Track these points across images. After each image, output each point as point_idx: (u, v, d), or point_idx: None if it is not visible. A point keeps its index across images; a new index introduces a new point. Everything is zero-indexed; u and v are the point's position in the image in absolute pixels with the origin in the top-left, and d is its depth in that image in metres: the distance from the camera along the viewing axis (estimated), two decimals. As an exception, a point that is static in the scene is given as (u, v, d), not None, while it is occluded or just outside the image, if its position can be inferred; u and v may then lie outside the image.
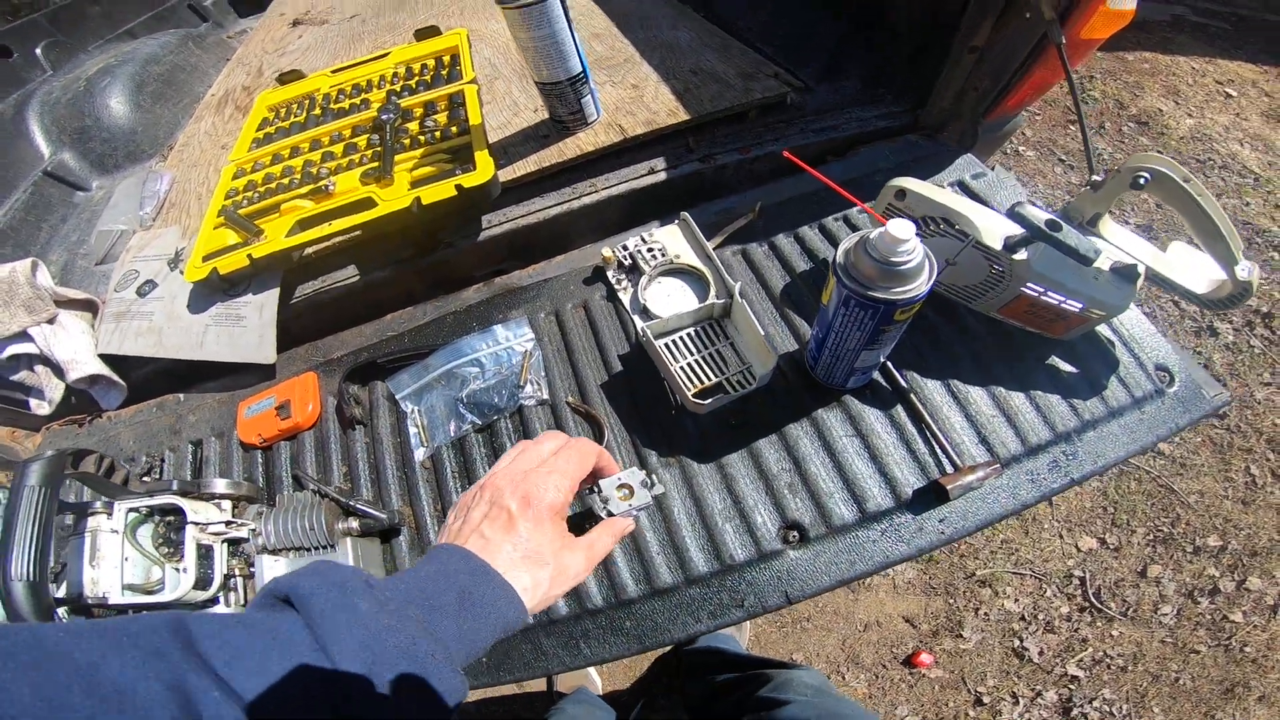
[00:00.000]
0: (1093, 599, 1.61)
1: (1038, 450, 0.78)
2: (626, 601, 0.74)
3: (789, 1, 1.50)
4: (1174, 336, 1.98)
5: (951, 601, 1.64)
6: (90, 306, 1.12)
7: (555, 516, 0.50)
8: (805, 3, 1.47)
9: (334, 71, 1.52)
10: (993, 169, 1.10)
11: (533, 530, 0.48)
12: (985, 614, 1.62)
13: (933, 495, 0.76)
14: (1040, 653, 1.55)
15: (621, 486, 0.59)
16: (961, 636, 1.59)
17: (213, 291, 1.04)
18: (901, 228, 0.61)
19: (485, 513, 0.49)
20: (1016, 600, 1.63)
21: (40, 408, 1.05)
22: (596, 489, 0.59)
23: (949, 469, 0.77)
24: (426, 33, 1.56)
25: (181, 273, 1.07)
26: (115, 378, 1.06)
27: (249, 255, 0.99)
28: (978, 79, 1.06)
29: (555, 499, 0.50)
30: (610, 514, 0.58)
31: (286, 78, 1.57)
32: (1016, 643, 1.58)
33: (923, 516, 0.75)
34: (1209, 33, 3.79)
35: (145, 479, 0.93)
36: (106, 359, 1.05)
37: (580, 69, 1.05)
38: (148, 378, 1.09)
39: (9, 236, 1.39)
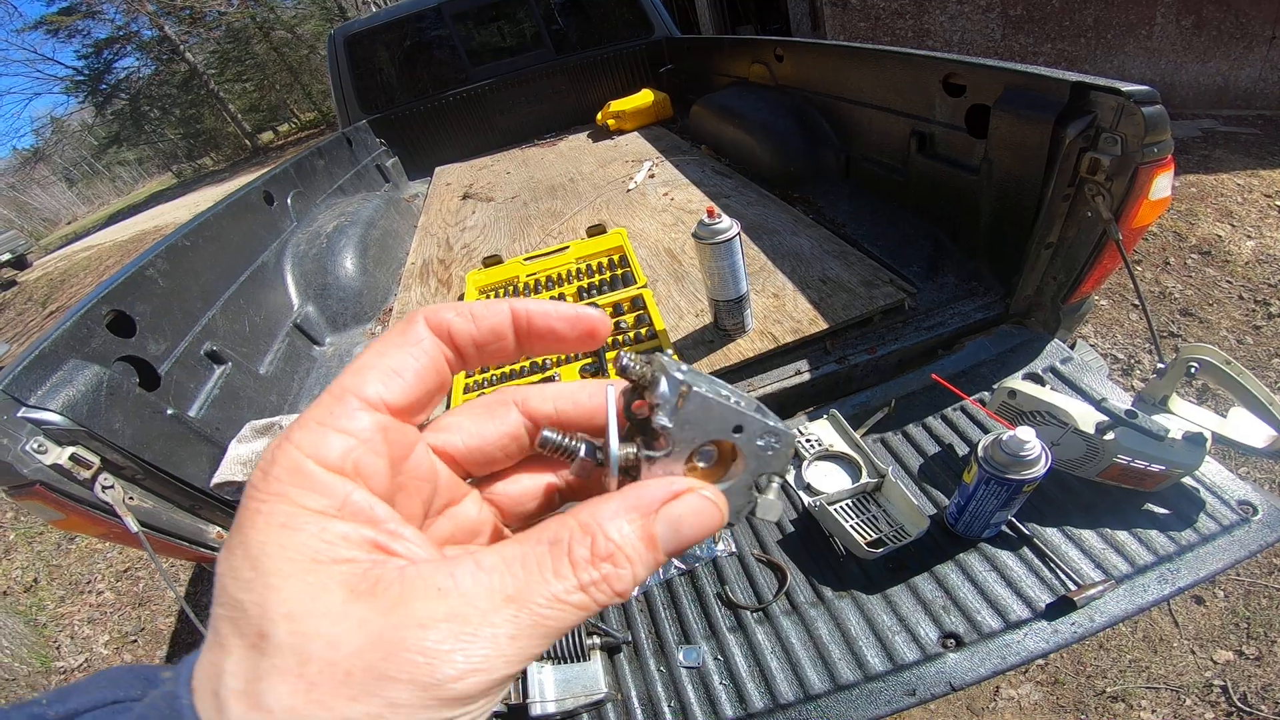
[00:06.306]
0: (1239, 703, 1.59)
1: (1145, 569, 1.00)
2: (814, 696, 0.96)
3: (887, 210, 1.83)
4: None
5: (1083, 718, 1.66)
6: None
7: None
8: (901, 211, 1.79)
9: (527, 259, 1.89)
10: (1074, 345, 1.35)
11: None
12: (1124, 727, 1.60)
13: (1062, 606, 0.98)
14: (1191, 757, 1.51)
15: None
16: (1100, 748, 1.57)
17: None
18: (1025, 432, 0.91)
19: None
20: (1154, 712, 1.62)
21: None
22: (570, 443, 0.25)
23: (1073, 587, 0.99)
24: (595, 230, 1.96)
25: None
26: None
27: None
28: (1054, 270, 1.34)
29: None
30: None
31: (489, 261, 1.97)
32: (1163, 750, 1.53)
33: (1056, 622, 0.97)
34: (1242, 141, 3.92)
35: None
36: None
37: (746, 288, 1.37)
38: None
39: (274, 385, 1.62)
